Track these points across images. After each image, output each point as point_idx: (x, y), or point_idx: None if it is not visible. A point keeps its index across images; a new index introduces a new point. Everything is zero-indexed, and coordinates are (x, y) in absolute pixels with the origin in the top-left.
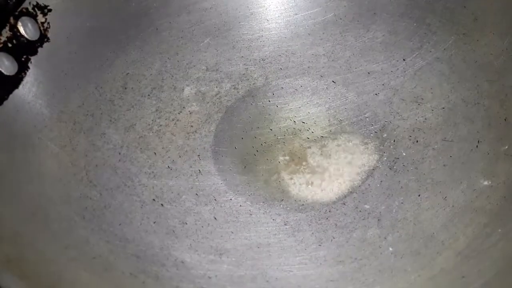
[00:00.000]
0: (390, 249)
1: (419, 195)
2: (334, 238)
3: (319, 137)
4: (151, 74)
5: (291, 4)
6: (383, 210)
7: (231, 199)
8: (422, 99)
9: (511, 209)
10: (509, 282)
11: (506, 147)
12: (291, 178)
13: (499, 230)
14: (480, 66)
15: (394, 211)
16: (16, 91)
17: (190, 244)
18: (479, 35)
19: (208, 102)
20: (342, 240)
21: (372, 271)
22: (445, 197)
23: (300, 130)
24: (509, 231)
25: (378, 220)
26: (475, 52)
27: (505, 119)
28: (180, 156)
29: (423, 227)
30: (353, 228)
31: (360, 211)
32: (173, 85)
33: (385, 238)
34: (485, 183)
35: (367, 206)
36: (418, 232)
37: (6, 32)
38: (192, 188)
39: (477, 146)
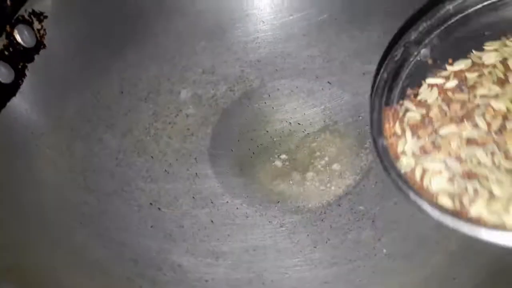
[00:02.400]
0: (384, 250)
1: None
2: (329, 240)
3: (314, 138)
4: (147, 78)
5: (286, 6)
6: (377, 211)
7: (227, 201)
8: None
9: None
10: (501, 283)
11: None
12: (287, 180)
13: None
14: None
15: (388, 212)
16: (13, 99)
17: (187, 248)
18: None
19: (205, 105)
20: (337, 242)
21: (366, 273)
22: None
23: (296, 132)
24: None
25: (373, 221)
26: None
27: None
28: (177, 160)
29: (417, 228)
30: (348, 229)
31: (355, 212)
32: (169, 88)
33: (379, 239)
34: None
35: (361, 208)
36: (412, 233)
37: (3, 40)
38: (189, 191)
39: None
